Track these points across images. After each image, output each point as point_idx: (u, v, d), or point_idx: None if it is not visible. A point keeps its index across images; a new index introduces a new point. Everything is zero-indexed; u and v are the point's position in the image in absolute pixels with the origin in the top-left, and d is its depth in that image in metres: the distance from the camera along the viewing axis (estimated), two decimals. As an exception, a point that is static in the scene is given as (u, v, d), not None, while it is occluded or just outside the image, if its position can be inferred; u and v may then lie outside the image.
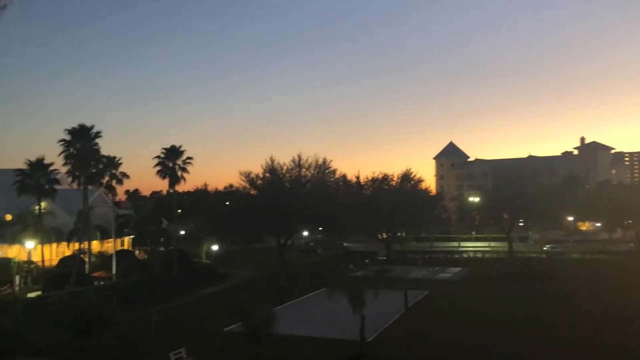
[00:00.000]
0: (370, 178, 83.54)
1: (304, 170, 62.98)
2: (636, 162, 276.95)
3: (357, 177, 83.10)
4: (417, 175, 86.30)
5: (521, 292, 50.08)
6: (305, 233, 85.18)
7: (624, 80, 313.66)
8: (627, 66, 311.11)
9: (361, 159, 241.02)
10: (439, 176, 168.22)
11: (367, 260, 74.54)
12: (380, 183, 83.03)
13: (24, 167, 54.44)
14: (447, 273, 67.48)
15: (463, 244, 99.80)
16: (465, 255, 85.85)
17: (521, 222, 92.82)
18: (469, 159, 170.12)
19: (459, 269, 70.30)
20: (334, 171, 65.64)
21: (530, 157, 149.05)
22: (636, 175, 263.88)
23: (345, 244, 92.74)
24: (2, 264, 55.46)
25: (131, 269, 56.57)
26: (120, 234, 67.48)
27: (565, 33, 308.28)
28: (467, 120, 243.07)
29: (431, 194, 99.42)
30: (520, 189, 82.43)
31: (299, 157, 62.70)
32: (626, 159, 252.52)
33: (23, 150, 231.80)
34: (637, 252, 76.50)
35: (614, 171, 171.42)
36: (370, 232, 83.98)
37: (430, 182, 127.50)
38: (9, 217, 61.06)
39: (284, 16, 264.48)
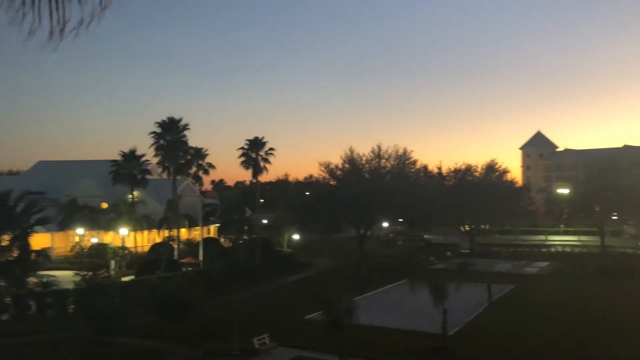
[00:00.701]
0: (452, 169, 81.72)
1: (383, 160, 62.47)
2: None
3: (439, 168, 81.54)
4: (502, 166, 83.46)
5: (614, 289, 47.37)
6: (385, 224, 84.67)
7: None
8: None
9: (443, 150, 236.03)
10: (526, 167, 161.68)
11: (448, 253, 73.12)
12: (464, 174, 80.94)
13: (118, 158, 57.48)
14: (534, 267, 64.93)
15: (550, 237, 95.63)
16: (553, 250, 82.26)
17: (615, 215, 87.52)
18: (557, 149, 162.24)
19: (547, 263, 67.49)
20: (414, 162, 64.66)
21: (627, 147, 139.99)
22: None
23: (426, 236, 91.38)
24: (99, 249, 59.11)
25: (216, 256, 58.56)
26: (206, 222, 69.98)
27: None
28: (555, 108, 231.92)
29: (517, 185, 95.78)
30: (615, 180, 77.65)
31: (379, 147, 62.26)
32: None
33: (117, 142, 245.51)
34: None
35: None
36: (452, 224, 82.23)
37: (516, 173, 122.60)
38: (104, 205, 64.76)
39: (348, 6, 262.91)
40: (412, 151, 62.85)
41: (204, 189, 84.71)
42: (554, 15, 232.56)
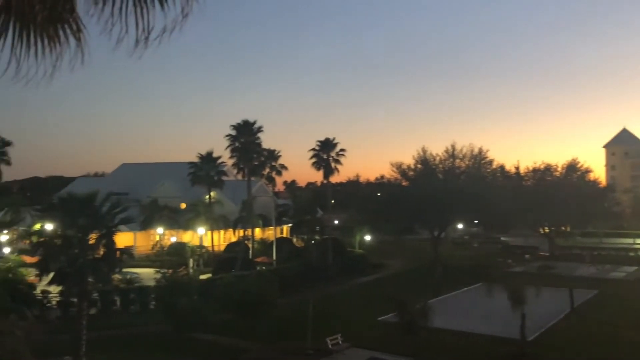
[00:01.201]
0: (531, 169, 78.80)
1: (458, 160, 61.08)
2: None
3: (517, 168, 78.80)
4: (585, 166, 79.62)
5: None
6: (460, 226, 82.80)
7: None
8: None
9: (521, 149, 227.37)
10: (610, 166, 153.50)
11: (527, 256, 70.52)
12: (543, 174, 77.87)
13: (196, 160, 59.47)
14: (620, 272, 61.43)
15: (638, 240, 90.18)
16: (641, 253, 77.52)
17: None
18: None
19: (635, 268, 63.66)
20: (490, 161, 62.83)
21: None
22: None
23: (503, 238, 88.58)
24: (178, 248, 61.35)
25: (289, 256, 59.36)
26: (279, 222, 71.11)
27: None
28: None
29: (601, 185, 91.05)
30: None
31: (453, 147, 60.94)
32: None
33: (195, 144, 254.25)
34: None
35: None
36: (530, 225, 79.26)
37: (599, 172, 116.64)
38: (183, 205, 67.21)
39: (424, 8, 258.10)
40: (487, 150, 61.18)
41: (276, 189, 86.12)
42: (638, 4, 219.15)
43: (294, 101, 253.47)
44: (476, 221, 78.80)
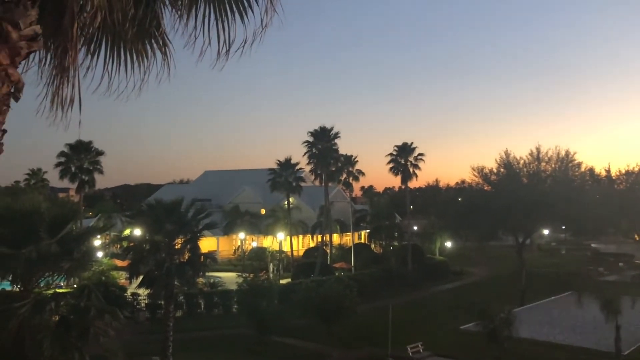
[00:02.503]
0: (623, 171, 74.22)
1: (543, 164, 58.45)
2: None
3: (607, 171, 74.45)
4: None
5: None
6: (547, 232, 79.32)
7: None
8: None
9: (610, 151, 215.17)
10: None
11: (621, 264, 66.46)
12: (637, 177, 73.15)
13: (275, 167, 60.57)
14: None
15: None
16: None
17: None
18: None
19: None
20: (578, 164, 59.64)
21: None
22: None
23: (593, 245, 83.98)
24: (259, 252, 62.65)
25: (368, 262, 59.06)
26: (357, 227, 71.00)
27: None
28: None
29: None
30: None
31: (538, 150, 58.43)
32: None
33: (274, 151, 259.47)
34: None
35: None
36: (624, 232, 74.63)
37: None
38: (263, 211, 68.60)
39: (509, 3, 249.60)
40: (575, 153, 58.25)
41: (354, 195, 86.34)
42: None
43: (371, 107, 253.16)
44: (564, 227, 75.20)
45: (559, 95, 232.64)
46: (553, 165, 58.05)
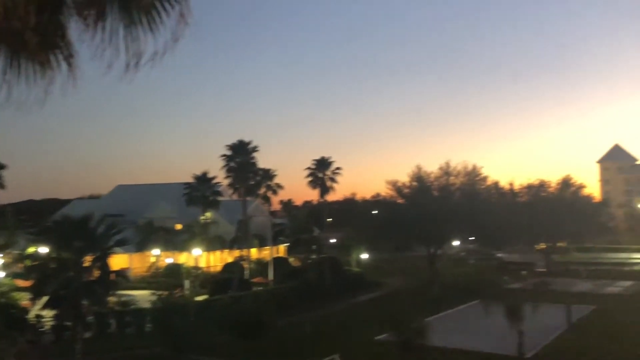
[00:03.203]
0: (525, 185, 79.15)
1: (452, 177, 61.37)
2: None
3: (511, 184, 79.15)
4: (578, 181, 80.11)
5: None
6: (456, 242, 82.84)
7: None
8: None
9: (514, 166, 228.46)
10: (604, 181, 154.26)
11: (524, 272, 70.45)
12: (537, 190, 78.21)
13: (191, 181, 59.43)
14: (617, 287, 61.43)
15: (633, 255, 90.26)
16: (636, 268, 77.54)
17: None
18: (637, 162, 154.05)
19: (631, 282, 63.69)
20: (485, 178, 63.17)
21: None
22: None
23: (499, 255, 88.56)
24: (174, 269, 60.96)
25: (287, 276, 59.08)
26: (276, 241, 70.89)
27: None
28: (635, 120, 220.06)
29: (595, 200, 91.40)
30: None
31: (447, 164, 61.29)
32: None
33: (189, 165, 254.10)
34: None
35: None
36: (526, 241, 79.34)
37: (593, 187, 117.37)
38: (179, 226, 66.94)
39: (413, 14, 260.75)
40: (481, 167, 61.59)
41: (272, 209, 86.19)
42: (631, 19, 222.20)
43: (289, 121, 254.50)
44: (472, 238, 78.85)
45: (467, 109, 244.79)
46: (461, 179, 61.03)
